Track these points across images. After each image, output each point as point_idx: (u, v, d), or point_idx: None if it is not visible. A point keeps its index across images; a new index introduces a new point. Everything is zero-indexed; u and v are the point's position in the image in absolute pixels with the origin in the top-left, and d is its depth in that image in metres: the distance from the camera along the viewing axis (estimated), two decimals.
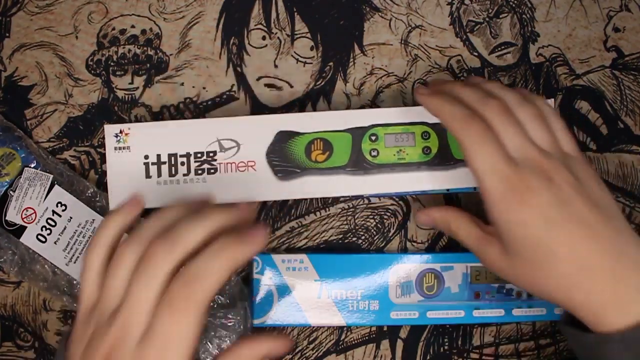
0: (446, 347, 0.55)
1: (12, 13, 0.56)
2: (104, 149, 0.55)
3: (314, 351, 0.55)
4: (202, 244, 0.36)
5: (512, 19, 0.58)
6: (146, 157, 0.49)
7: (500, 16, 0.58)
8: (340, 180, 0.49)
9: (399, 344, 0.55)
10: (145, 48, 0.56)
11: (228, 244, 0.35)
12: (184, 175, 0.48)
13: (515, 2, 0.58)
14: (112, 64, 0.56)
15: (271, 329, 0.55)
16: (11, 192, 0.51)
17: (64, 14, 0.56)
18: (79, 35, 0.56)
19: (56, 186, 0.52)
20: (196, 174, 0.48)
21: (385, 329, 0.55)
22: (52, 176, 0.52)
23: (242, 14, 0.56)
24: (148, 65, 0.56)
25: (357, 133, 0.49)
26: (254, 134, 0.49)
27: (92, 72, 0.56)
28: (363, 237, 0.56)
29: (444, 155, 0.50)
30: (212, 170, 0.48)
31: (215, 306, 0.52)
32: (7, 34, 0.55)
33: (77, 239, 0.51)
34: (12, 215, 0.51)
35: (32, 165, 0.52)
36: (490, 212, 0.41)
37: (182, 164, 0.48)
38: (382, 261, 0.53)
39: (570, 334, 0.42)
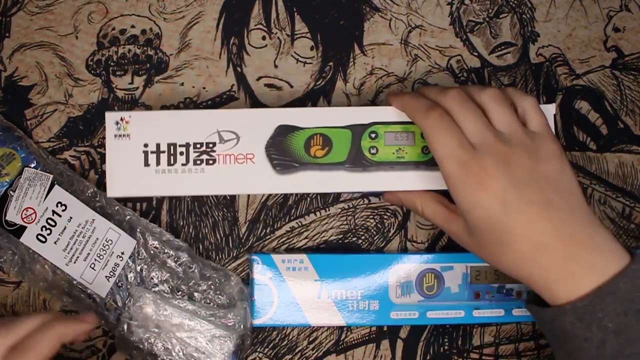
0: (446, 347, 0.55)
1: (12, 13, 0.56)
2: (104, 149, 0.55)
3: (314, 351, 0.55)
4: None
5: (512, 19, 0.58)
6: (145, 145, 0.49)
7: (500, 16, 0.58)
8: (338, 176, 0.49)
9: (399, 344, 0.55)
10: (145, 48, 0.56)
11: (56, 322, 0.43)
12: (183, 165, 0.49)
13: (515, 2, 0.58)
14: (112, 64, 0.56)
15: (271, 329, 0.55)
16: (11, 192, 0.51)
17: (64, 14, 0.56)
18: (79, 35, 0.56)
19: (56, 186, 0.52)
20: (195, 164, 0.49)
21: (385, 329, 0.55)
22: (52, 176, 0.52)
23: (242, 14, 0.56)
24: (148, 65, 0.56)
25: (357, 130, 0.49)
26: (254, 127, 0.49)
27: (92, 72, 0.56)
28: (363, 237, 0.56)
29: None
30: (211, 161, 0.49)
31: (215, 306, 0.52)
32: (7, 34, 0.55)
33: (77, 239, 0.51)
34: (12, 215, 0.51)
35: (32, 165, 0.52)
36: (452, 195, 0.44)
37: (181, 153, 0.49)
38: (382, 261, 0.53)
39: (533, 312, 0.45)
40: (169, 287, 0.52)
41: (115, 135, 0.49)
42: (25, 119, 0.55)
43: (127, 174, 0.49)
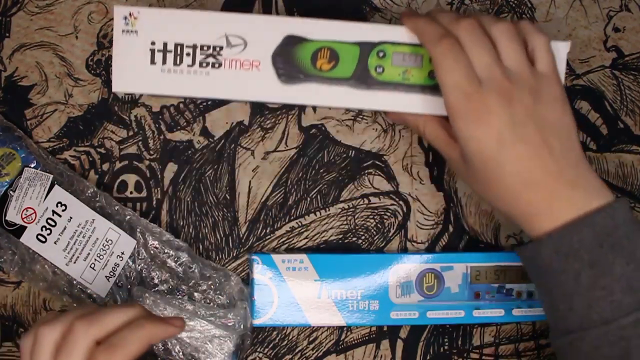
0: (446, 347, 0.55)
1: (12, 13, 0.56)
2: (104, 149, 0.55)
3: (314, 351, 0.55)
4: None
5: (512, 19, 0.58)
6: (153, 43, 0.48)
7: (500, 16, 0.58)
8: (342, 91, 0.48)
9: (399, 344, 0.55)
10: None
11: (146, 322, 0.42)
12: (189, 66, 0.48)
13: (515, 2, 0.58)
14: (112, 64, 0.56)
15: (271, 329, 0.55)
16: (11, 192, 0.51)
17: (64, 14, 0.56)
18: (79, 35, 0.56)
19: (56, 186, 0.52)
20: (200, 66, 0.48)
21: (385, 329, 0.55)
22: (52, 176, 0.52)
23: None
24: None
25: (366, 47, 0.48)
26: (262, 34, 0.48)
27: (92, 72, 0.56)
28: (363, 237, 0.56)
29: None
30: (217, 65, 0.48)
31: (215, 306, 0.52)
32: (7, 34, 0.55)
33: (77, 239, 0.51)
34: (12, 215, 0.51)
35: (32, 165, 0.52)
36: (451, 124, 0.45)
37: (188, 54, 0.48)
38: (382, 261, 0.53)
39: (519, 253, 0.46)
40: (169, 287, 0.52)
41: (123, 31, 0.48)
42: (25, 119, 0.55)
43: (133, 70, 0.48)
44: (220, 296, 0.53)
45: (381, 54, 0.48)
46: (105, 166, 0.55)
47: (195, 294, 0.52)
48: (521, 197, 0.44)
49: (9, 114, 0.55)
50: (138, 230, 0.52)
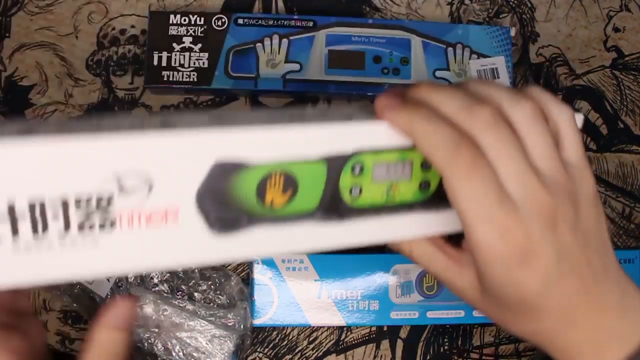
0: (446, 347, 0.55)
1: (12, 13, 0.56)
2: None
3: (314, 351, 0.55)
4: None
5: (512, 19, 0.58)
6: None
7: (500, 16, 0.58)
8: (304, 231, 0.33)
9: (399, 344, 0.55)
10: (145, 48, 0.56)
11: None
12: (60, 234, 0.28)
13: (515, 2, 0.58)
14: (112, 64, 0.56)
15: (271, 329, 0.55)
16: None
17: (64, 14, 0.56)
18: (79, 35, 0.56)
19: None
20: (81, 230, 0.28)
21: (385, 329, 0.55)
22: None
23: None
24: None
25: (336, 162, 0.32)
26: (175, 164, 0.29)
27: (92, 72, 0.56)
28: None
29: (444, 193, 0.33)
30: (108, 225, 0.29)
31: (215, 306, 0.52)
32: (7, 34, 0.55)
33: None
34: None
35: None
36: (480, 267, 0.34)
37: (55, 217, 0.27)
38: (382, 261, 0.53)
39: None
40: (169, 287, 0.52)
41: None
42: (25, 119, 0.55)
43: None
44: (220, 296, 0.53)
45: (357, 169, 0.33)
46: None
47: (195, 294, 0.52)
48: (562, 334, 0.37)
49: (9, 114, 0.55)
50: None
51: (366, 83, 0.53)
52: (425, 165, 0.34)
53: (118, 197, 0.28)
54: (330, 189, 0.32)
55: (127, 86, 0.55)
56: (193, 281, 0.53)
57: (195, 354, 0.51)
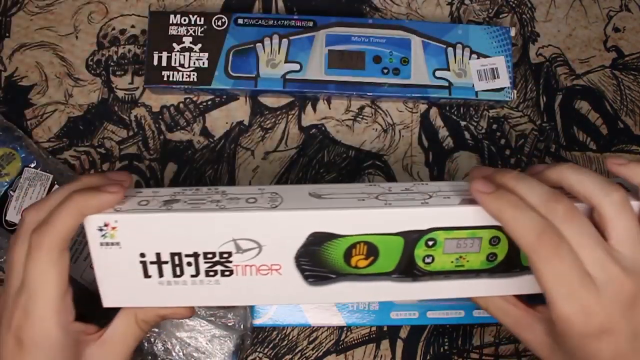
0: (446, 347, 0.55)
1: (12, 13, 0.56)
2: (104, 149, 0.55)
3: (314, 351, 0.55)
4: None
5: (512, 19, 0.58)
6: (142, 255, 0.38)
7: (500, 16, 0.58)
8: (382, 287, 0.40)
9: (399, 344, 0.55)
10: (145, 48, 0.56)
11: (75, 194, 0.37)
12: (192, 276, 0.39)
13: (515, 2, 0.58)
14: (112, 64, 0.56)
15: (271, 329, 0.55)
16: (11, 192, 0.52)
17: (64, 14, 0.56)
18: (79, 35, 0.56)
19: (56, 186, 0.52)
20: (207, 275, 0.39)
21: (385, 329, 0.55)
22: (52, 176, 0.52)
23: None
24: None
25: (411, 237, 0.39)
26: (279, 234, 0.38)
27: (92, 72, 0.56)
28: None
29: (510, 262, 0.41)
30: (227, 273, 0.39)
31: (215, 306, 0.52)
32: (7, 34, 0.55)
33: (77, 239, 0.51)
34: (12, 215, 0.51)
35: (32, 165, 0.52)
36: (562, 337, 0.37)
37: (189, 264, 0.38)
38: None
39: None
40: None
41: (102, 244, 0.38)
42: (25, 119, 0.55)
43: (125, 285, 0.39)
44: None
45: (431, 243, 0.39)
46: (105, 166, 0.55)
47: None
48: None
49: (9, 114, 0.55)
50: None
51: (366, 83, 0.53)
52: (494, 241, 0.40)
53: (235, 255, 0.38)
54: (406, 256, 0.39)
55: (127, 86, 0.55)
56: None
57: (195, 354, 0.51)
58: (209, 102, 0.56)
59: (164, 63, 0.53)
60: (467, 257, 0.40)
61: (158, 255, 0.38)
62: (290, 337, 0.55)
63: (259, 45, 0.53)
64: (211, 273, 0.39)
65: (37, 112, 0.55)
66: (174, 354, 0.50)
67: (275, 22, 0.54)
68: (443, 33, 0.54)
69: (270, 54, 0.53)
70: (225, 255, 0.38)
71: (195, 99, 0.56)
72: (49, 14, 0.56)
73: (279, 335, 0.55)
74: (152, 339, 0.50)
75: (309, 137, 0.56)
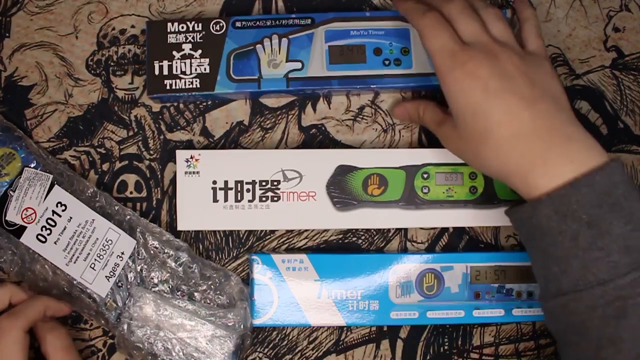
0: (446, 347, 0.55)
1: (12, 13, 0.56)
2: (104, 149, 0.55)
3: (314, 351, 0.55)
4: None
5: (512, 18, 0.58)
6: (214, 182, 0.52)
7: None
8: (393, 213, 0.53)
9: (399, 344, 0.55)
10: (145, 48, 0.56)
11: (41, 297, 0.50)
12: (249, 201, 0.52)
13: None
14: (112, 64, 0.56)
15: (271, 329, 0.55)
16: (11, 192, 0.52)
17: (64, 14, 0.56)
18: (79, 35, 0.56)
19: (56, 186, 0.52)
20: (260, 200, 0.52)
21: (385, 329, 0.55)
22: (52, 176, 0.52)
23: (242, 14, 0.56)
24: None
25: (411, 170, 0.53)
26: (315, 166, 0.52)
27: (92, 72, 0.56)
28: (363, 237, 0.56)
29: (489, 195, 0.54)
30: (275, 198, 0.52)
31: (215, 306, 0.52)
32: (7, 34, 0.55)
33: (77, 239, 0.51)
34: (12, 215, 0.51)
35: (32, 165, 0.52)
36: (442, 87, 0.45)
37: (248, 190, 0.52)
38: (382, 261, 0.53)
39: (511, 214, 0.46)
40: (169, 287, 0.52)
41: (186, 172, 0.52)
42: (25, 119, 0.55)
43: (197, 209, 0.52)
44: (220, 296, 0.53)
45: (425, 175, 0.53)
46: (105, 166, 0.55)
47: (196, 294, 0.52)
48: (514, 150, 0.43)
49: (9, 114, 0.55)
50: (138, 230, 0.52)
51: (369, 76, 0.53)
52: (472, 176, 0.53)
53: (283, 182, 0.52)
54: (409, 187, 0.53)
55: (127, 86, 0.55)
56: (193, 281, 0.53)
57: (195, 354, 0.51)
58: (209, 102, 0.56)
59: (165, 72, 0.52)
60: (454, 188, 0.53)
61: (226, 182, 0.52)
62: (290, 337, 0.55)
63: (259, 46, 0.53)
64: (264, 199, 0.52)
65: (37, 112, 0.55)
66: (174, 354, 0.50)
67: (274, 22, 0.53)
68: None
69: (271, 54, 0.53)
70: (275, 183, 0.52)
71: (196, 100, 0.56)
72: (49, 14, 0.56)
73: (279, 335, 0.55)
74: (152, 339, 0.51)
75: (309, 137, 0.56)
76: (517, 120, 0.43)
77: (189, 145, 0.55)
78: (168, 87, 0.52)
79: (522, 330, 0.56)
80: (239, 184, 0.52)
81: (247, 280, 0.54)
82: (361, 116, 0.56)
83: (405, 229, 0.56)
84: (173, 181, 0.55)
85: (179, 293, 0.52)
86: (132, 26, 0.56)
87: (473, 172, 0.53)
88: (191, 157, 0.52)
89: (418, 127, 0.56)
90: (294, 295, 0.53)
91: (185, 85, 0.52)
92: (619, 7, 0.58)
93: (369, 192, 0.53)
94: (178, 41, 0.52)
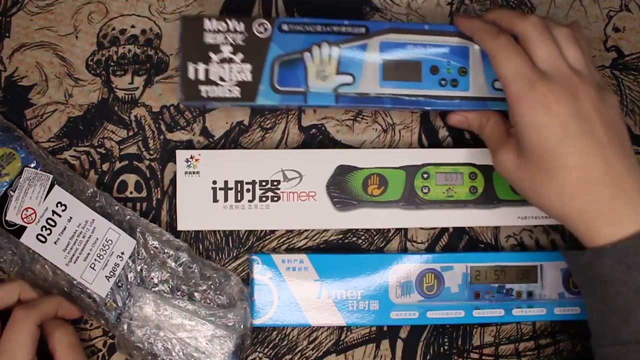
0: (446, 347, 0.55)
1: (12, 13, 0.56)
2: (104, 149, 0.55)
3: (314, 351, 0.55)
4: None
5: None
6: (214, 182, 0.52)
7: None
8: (393, 213, 0.53)
9: (399, 344, 0.55)
10: (145, 48, 0.56)
11: (58, 296, 0.51)
12: (249, 201, 0.52)
13: (515, 2, 0.58)
14: (112, 64, 0.56)
15: (271, 329, 0.55)
16: (11, 192, 0.52)
17: (64, 14, 0.56)
18: (79, 35, 0.56)
19: (56, 186, 0.52)
20: (260, 200, 0.52)
21: (385, 329, 0.55)
22: (52, 176, 0.52)
23: (242, 14, 0.56)
24: (148, 65, 0.56)
25: (411, 170, 0.53)
26: (315, 166, 0.52)
27: (92, 72, 0.56)
28: (363, 237, 0.56)
29: (489, 195, 0.53)
30: (276, 198, 0.52)
31: (215, 306, 0.52)
32: (7, 34, 0.55)
33: (77, 239, 0.51)
34: (12, 215, 0.51)
35: (32, 165, 0.52)
36: (513, 115, 0.44)
37: (248, 190, 0.52)
38: (382, 261, 0.53)
39: (570, 257, 0.44)
40: (169, 287, 0.52)
41: (186, 172, 0.52)
42: (25, 119, 0.55)
43: (197, 209, 0.52)
44: (220, 296, 0.53)
45: (425, 175, 0.53)
46: (105, 166, 0.55)
47: (196, 294, 0.52)
48: (580, 195, 0.42)
49: (9, 114, 0.55)
50: (138, 230, 0.52)
51: (423, 96, 0.50)
52: (472, 176, 0.53)
53: (283, 182, 0.52)
54: (409, 187, 0.53)
55: (127, 86, 0.55)
56: (193, 281, 0.53)
57: (195, 354, 0.51)
58: None
59: (201, 76, 0.47)
60: (454, 188, 0.53)
61: (226, 182, 0.52)
62: (290, 337, 0.55)
63: (307, 54, 0.48)
64: (264, 199, 0.52)
65: (37, 112, 0.55)
66: (174, 354, 0.50)
67: (324, 27, 0.48)
68: None
69: (319, 64, 0.48)
70: (275, 183, 0.52)
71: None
72: (49, 14, 0.56)
73: (279, 335, 0.55)
74: (152, 339, 0.51)
75: (309, 137, 0.56)
76: (591, 166, 0.42)
77: (189, 145, 0.55)
78: (204, 95, 0.47)
79: (522, 330, 0.56)
80: (239, 184, 0.52)
81: (247, 280, 0.54)
82: (361, 116, 0.56)
83: (405, 229, 0.56)
84: (173, 181, 0.55)
85: (179, 293, 0.52)
86: (132, 26, 0.56)
87: (473, 172, 0.53)
88: (191, 157, 0.52)
89: (418, 127, 0.56)
90: (294, 295, 0.53)
91: (224, 93, 0.47)
92: (619, 7, 0.58)
93: (369, 192, 0.53)
94: (216, 42, 0.47)
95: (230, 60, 0.47)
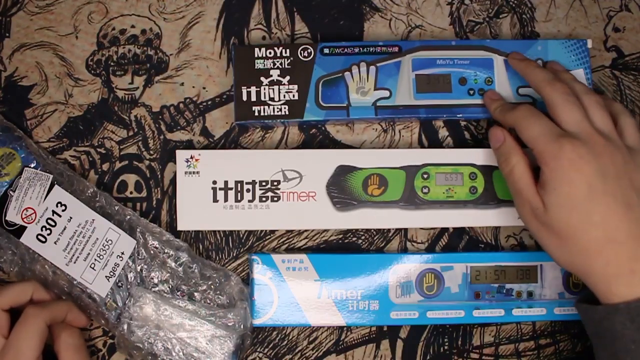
0: (446, 347, 0.55)
1: (12, 13, 0.56)
2: (104, 149, 0.55)
3: (314, 351, 0.55)
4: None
5: (512, 19, 0.58)
6: (214, 182, 0.52)
7: (500, 16, 0.58)
8: (393, 213, 0.53)
9: (399, 344, 0.55)
10: (145, 48, 0.56)
11: (70, 303, 0.51)
12: (249, 201, 0.52)
13: (515, 2, 0.58)
14: (112, 64, 0.56)
15: (271, 329, 0.55)
16: (11, 192, 0.52)
17: (64, 14, 0.56)
18: (79, 35, 0.56)
19: (56, 186, 0.52)
20: (260, 200, 0.52)
21: (385, 329, 0.55)
22: (52, 176, 0.52)
23: (242, 14, 0.56)
24: (148, 65, 0.56)
25: (411, 170, 0.53)
26: (316, 166, 0.52)
27: (92, 72, 0.56)
28: (363, 237, 0.56)
29: (489, 195, 0.54)
30: (276, 198, 0.52)
31: (215, 306, 0.52)
32: (7, 34, 0.55)
33: (77, 239, 0.51)
34: (12, 215, 0.51)
35: (32, 165, 0.52)
36: (544, 171, 0.45)
37: (248, 190, 0.52)
38: (382, 261, 0.53)
39: (583, 310, 0.45)
40: (169, 287, 0.52)
41: (186, 172, 0.52)
42: (25, 119, 0.55)
43: (197, 209, 0.52)
44: (220, 296, 0.53)
45: (425, 176, 0.53)
46: (105, 166, 0.55)
47: (196, 294, 0.52)
48: (601, 253, 0.43)
49: (9, 114, 0.55)
50: (138, 230, 0.52)
51: (454, 105, 0.53)
52: (472, 177, 0.53)
53: (283, 183, 0.52)
54: (409, 187, 0.53)
55: (127, 86, 0.55)
56: (193, 281, 0.53)
57: (195, 354, 0.51)
58: (209, 102, 0.56)
59: (253, 98, 0.52)
60: (454, 189, 0.53)
61: (226, 182, 0.52)
62: (290, 337, 0.55)
63: (347, 74, 0.53)
64: (264, 199, 0.52)
65: (37, 112, 0.55)
66: (174, 354, 0.50)
67: (361, 49, 0.53)
68: (523, 50, 0.54)
69: (359, 82, 0.53)
70: (275, 183, 0.52)
71: (195, 98, 0.56)
72: (49, 14, 0.56)
73: (279, 335, 0.55)
74: (152, 339, 0.51)
75: (309, 137, 0.56)
76: (615, 226, 0.43)
77: (189, 145, 0.55)
78: (257, 114, 0.52)
79: (522, 330, 0.56)
80: (239, 184, 0.52)
81: (247, 280, 0.54)
82: None
83: (405, 229, 0.56)
84: (173, 181, 0.55)
85: (179, 293, 0.52)
86: (132, 26, 0.56)
87: (473, 172, 0.53)
88: (191, 157, 0.52)
89: (418, 127, 0.56)
90: (294, 295, 0.53)
91: (274, 111, 0.52)
92: (619, 7, 0.58)
93: (369, 192, 0.53)
94: (266, 67, 0.53)
95: (279, 82, 0.53)
